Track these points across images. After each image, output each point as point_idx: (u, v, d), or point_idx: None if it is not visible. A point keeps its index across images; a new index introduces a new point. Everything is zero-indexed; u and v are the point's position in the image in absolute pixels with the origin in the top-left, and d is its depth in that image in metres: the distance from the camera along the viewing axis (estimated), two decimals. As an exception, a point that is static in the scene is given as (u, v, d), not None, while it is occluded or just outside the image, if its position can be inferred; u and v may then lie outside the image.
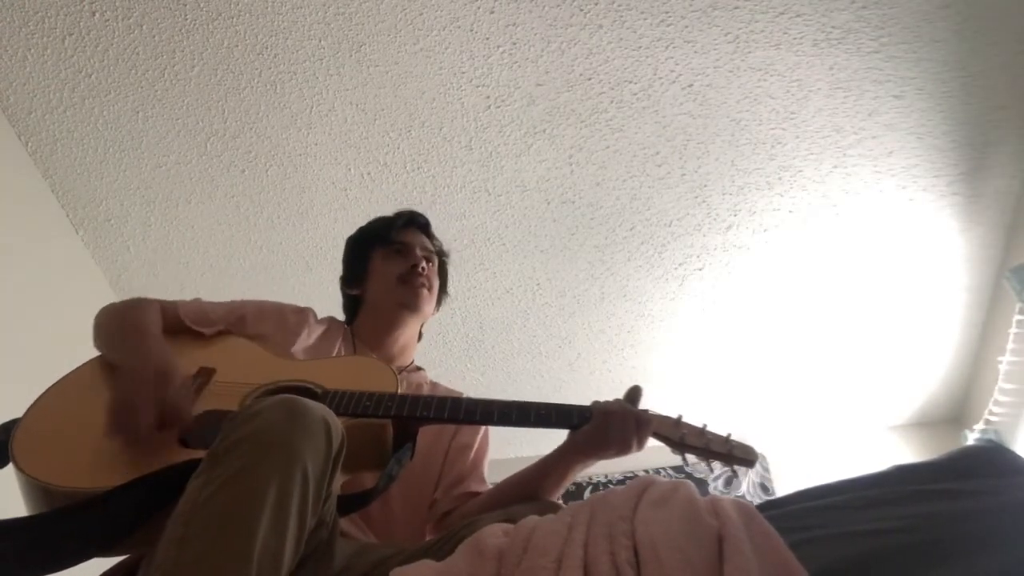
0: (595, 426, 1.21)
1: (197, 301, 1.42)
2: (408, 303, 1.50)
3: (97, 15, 2.16)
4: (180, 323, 1.34)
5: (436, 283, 1.59)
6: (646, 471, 3.36)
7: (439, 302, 1.63)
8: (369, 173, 2.62)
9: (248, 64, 2.31)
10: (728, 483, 3.55)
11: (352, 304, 1.61)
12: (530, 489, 1.28)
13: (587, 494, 3.39)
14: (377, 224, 1.65)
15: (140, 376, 1.11)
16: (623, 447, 1.20)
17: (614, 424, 1.20)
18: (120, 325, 1.29)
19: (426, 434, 1.29)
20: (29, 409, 1.16)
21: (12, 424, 1.13)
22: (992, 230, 2.88)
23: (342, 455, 0.92)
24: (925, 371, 3.41)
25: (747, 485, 3.54)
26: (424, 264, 1.53)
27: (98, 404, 1.17)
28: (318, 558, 0.94)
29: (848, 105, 2.47)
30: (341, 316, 1.63)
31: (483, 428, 1.47)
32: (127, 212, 2.68)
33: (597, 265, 2.96)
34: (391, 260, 1.55)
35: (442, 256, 1.67)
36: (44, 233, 2.58)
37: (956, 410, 3.55)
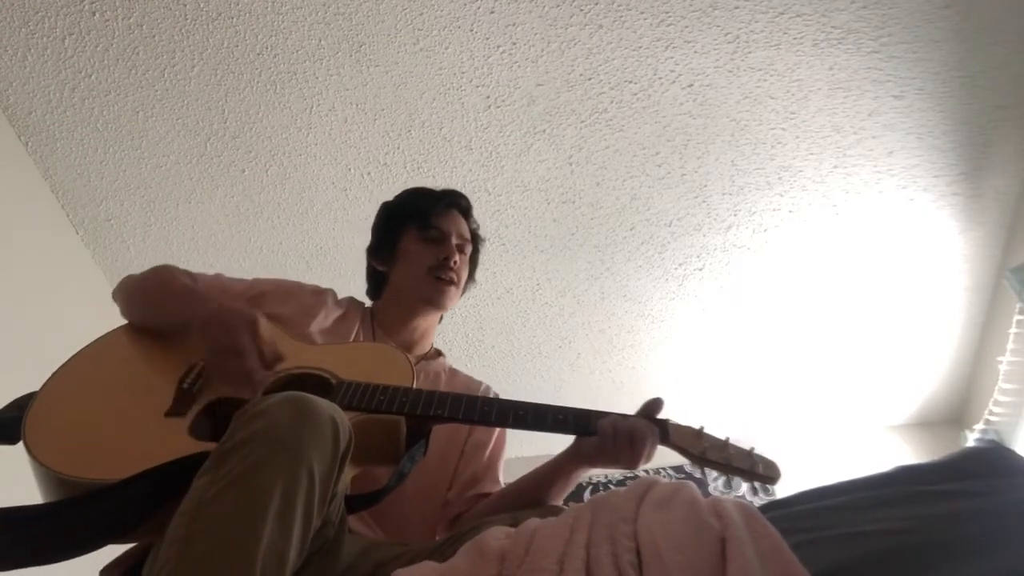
0: (602, 443, 1.16)
1: (218, 277, 1.39)
2: (433, 300, 1.46)
3: (97, 15, 2.16)
4: None
5: (465, 274, 1.54)
6: (646, 472, 3.35)
7: (464, 289, 1.58)
8: (369, 173, 2.62)
9: (248, 64, 2.31)
10: (728, 484, 3.54)
11: (376, 280, 1.56)
12: (535, 494, 1.27)
13: (587, 495, 3.39)
14: (417, 201, 1.57)
15: (227, 323, 1.11)
16: (631, 464, 1.15)
17: (620, 444, 1.14)
18: (163, 290, 1.28)
19: (442, 430, 1.27)
20: (44, 387, 1.13)
21: (28, 399, 1.11)
22: (992, 230, 2.88)
23: (349, 454, 0.91)
24: (925, 371, 3.41)
25: (747, 486, 3.54)
26: (456, 258, 1.48)
27: (115, 382, 1.16)
28: (324, 556, 0.94)
29: (848, 105, 2.47)
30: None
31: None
32: (127, 212, 2.68)
33: (597, 265, 2.96)
34: (424, 247, 1.48)
35: (477, 241, 1.61)
36: (44, 233, 2.58)
37: (956, 410, 3.55)
